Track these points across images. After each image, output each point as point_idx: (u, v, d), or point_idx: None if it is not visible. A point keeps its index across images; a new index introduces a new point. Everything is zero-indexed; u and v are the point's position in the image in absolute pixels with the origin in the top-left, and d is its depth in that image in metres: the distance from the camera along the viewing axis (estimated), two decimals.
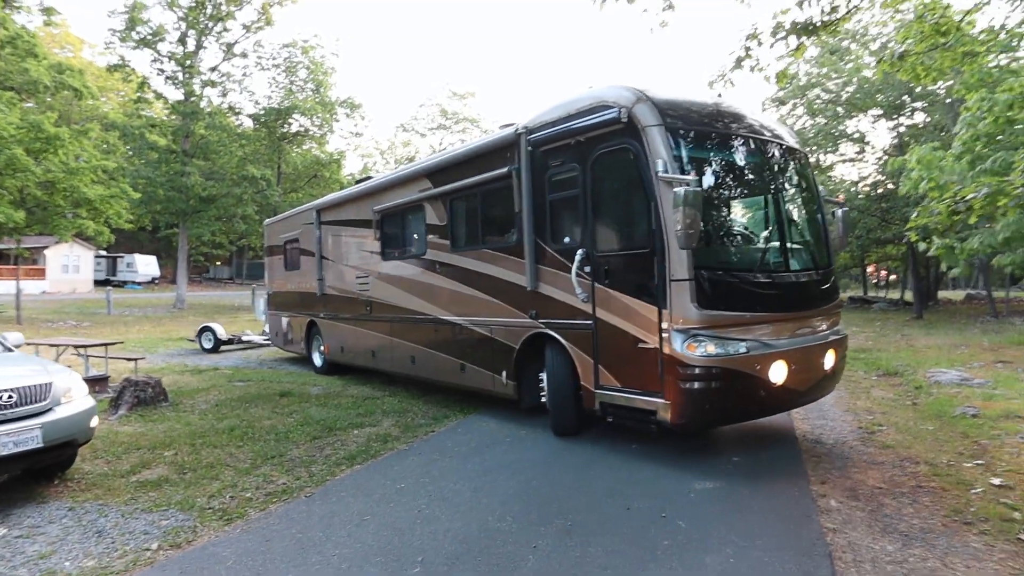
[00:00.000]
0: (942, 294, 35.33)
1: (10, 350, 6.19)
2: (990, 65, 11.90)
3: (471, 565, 3.81)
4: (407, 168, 9.65)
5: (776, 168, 6.44)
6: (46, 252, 43.86)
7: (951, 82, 19.57)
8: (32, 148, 21.99)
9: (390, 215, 9.68)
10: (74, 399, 5.38)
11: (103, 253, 52.74)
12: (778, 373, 5.51)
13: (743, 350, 5.36)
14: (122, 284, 53.00)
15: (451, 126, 65.64)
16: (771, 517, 4.53)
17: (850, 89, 26.09)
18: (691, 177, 5.09)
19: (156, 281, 57.50)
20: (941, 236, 14.58)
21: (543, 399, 6.93)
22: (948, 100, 22.76)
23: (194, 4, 31.52)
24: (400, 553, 3.98)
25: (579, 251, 6.13)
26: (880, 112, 26.30)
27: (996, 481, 5.29)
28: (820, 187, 7.02)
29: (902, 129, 26.77)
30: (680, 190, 4.81)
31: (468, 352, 8.00)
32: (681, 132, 5.65)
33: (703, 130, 5.90)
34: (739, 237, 6.25)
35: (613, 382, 5.96)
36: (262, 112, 35.69)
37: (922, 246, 13.20)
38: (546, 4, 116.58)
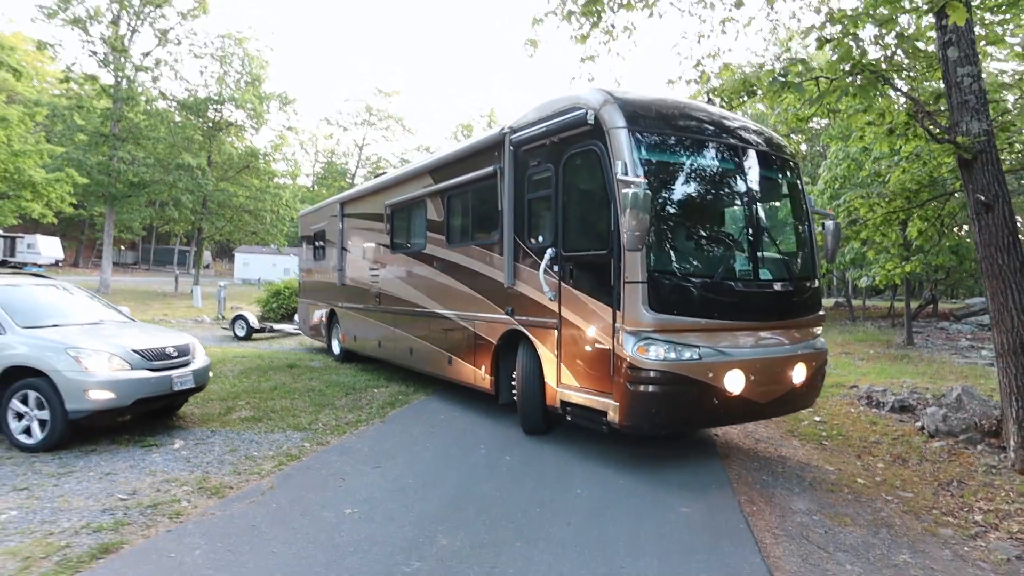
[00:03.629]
0: None
1: (132, 320, 8.05)
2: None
3: (516, 450, 6.40)
4: (414, 165, 10.09)
5: (752, 175, 6.28)
6: None
7: (826, 121, 23.86)
8: None
9: (398, 210, 10.10)
10: (200, 355, 7.41)
11: (0, 233, 50.38)
12: (734, 383, 5.45)
13: (696, 356, 5.31)
14: (21, 265, 50.62)
15: (376, 122, 66.91)
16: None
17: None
18: (640, 179, 5.06)
19: (59, 264, 55.16)
20: None
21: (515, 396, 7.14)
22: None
23: None
24: (466, 445, 6.52)
25: (549, 250, 6.25)
26: None
27: (817, 419, 8.38)
28: (810, 197, 6.98)
29: None
30: (628, 191, 4.83)
31: (455, 346, 8.35)
32: (647, 135, 5.70)
33: (672, 134, 5.90)
34: (700, 242, 6.16)
35: (573, 381, 6.05)
36: (191, 100, 35.80)
37: None
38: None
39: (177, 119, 35.74)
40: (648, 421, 5.47)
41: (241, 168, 38.96)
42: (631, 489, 5.32)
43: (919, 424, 7.79)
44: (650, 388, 5.23)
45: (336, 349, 12.98)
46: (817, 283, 6.65)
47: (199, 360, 7.29)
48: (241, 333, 16.81)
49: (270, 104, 38.55)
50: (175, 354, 6.89)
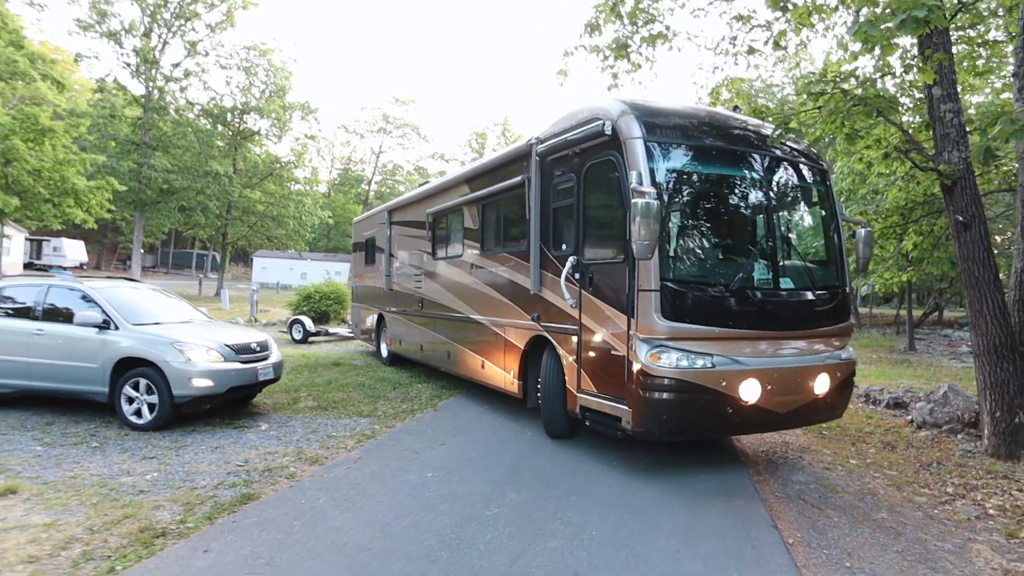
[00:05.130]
0: None
1: (211, 319, 9.13)
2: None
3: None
4: (453, 175, 10.58)
5: (774, 183, 6.33)
6: None
7: (833, 137, 24.87)
8: (24, 139, 23.38)
9: (439, 217, 10.49)
10: (275, 351, 8.47)
11: (27, 236, 51.87)
12: (750, 392, 5.47)
13: (709, 365, 5.36)
14: (47, 268, 52.13)
15: (392, 130, 68.23)
16: None
17: None
18: (650, 190, 5.11)
19: (84, 267, 56.76)
20: None
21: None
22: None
23: (161, 1, 33.02)
24: (513, 428, 7.56)
25: (571, 258, 6.39)
26: None
27: None
28: (840, 205, 6.86)
29: None
30: (638, 201, 4.92)
31: (487, 350, 8.62)
32: (665, 145, 5.78)
33: (692, 143, 5.99)
34: (716, 251, 6.16)
35: (591, 387, 6.18)
36: (216, 109, 37.10)
37: None
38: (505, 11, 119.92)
39: (203, 123, 37.05)
40: (660, 428, 5.54)
41: (265, 175, 40.26)
42: (658, 463, 6.35)
43: (909, 418, 8.75)
44: (663, 395, 5.33)
45: (384, 352, 13.48)
46: (844, 292, 6.56)
47: (275, 355, 8.36)
48: (298, 336, 17.59)
49: (293, 114, 39.85)
50: (258, 348, 7.97)
